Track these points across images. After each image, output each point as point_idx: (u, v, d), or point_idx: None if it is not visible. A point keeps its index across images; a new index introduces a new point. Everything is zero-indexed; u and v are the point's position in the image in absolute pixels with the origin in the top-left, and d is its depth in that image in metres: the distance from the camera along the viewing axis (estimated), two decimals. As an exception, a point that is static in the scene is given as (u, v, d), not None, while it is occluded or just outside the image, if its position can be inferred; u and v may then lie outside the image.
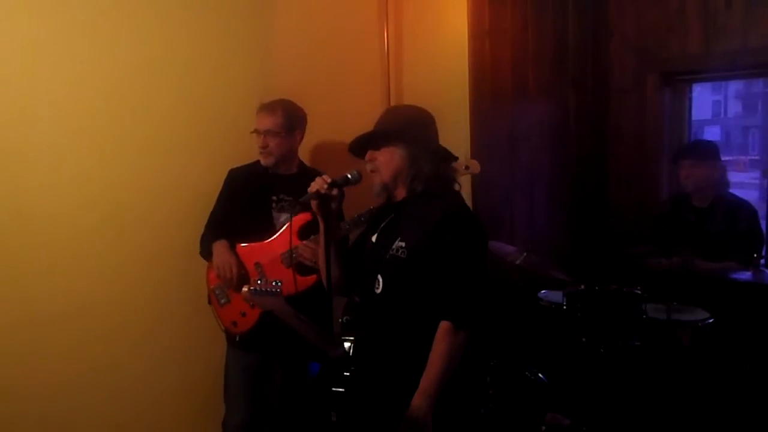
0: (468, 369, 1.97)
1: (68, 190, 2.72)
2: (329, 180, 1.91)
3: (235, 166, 2.83)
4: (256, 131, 2.73)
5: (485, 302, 1.90)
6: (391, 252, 1.93)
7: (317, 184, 1.92)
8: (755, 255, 2.77)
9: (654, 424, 2.77)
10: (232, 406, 2.79)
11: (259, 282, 1.93)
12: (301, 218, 2.63)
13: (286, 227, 2.65)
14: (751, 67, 3.24)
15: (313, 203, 1.95)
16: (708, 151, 3.18)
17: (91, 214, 2.76)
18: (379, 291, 1.97)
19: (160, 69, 2.85)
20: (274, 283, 1.95)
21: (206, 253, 2.74)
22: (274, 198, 2.75)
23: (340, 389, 1.88)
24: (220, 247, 2.68)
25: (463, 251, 1.86)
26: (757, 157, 8.19)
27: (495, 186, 3.82)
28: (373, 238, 2.06)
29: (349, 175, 1.95)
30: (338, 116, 3.12)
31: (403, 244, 1.91)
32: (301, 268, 2.62)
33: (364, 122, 2.02)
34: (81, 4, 2.68)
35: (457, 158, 2.02)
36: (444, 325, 1.83)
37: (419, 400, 1.80)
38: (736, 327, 2.93)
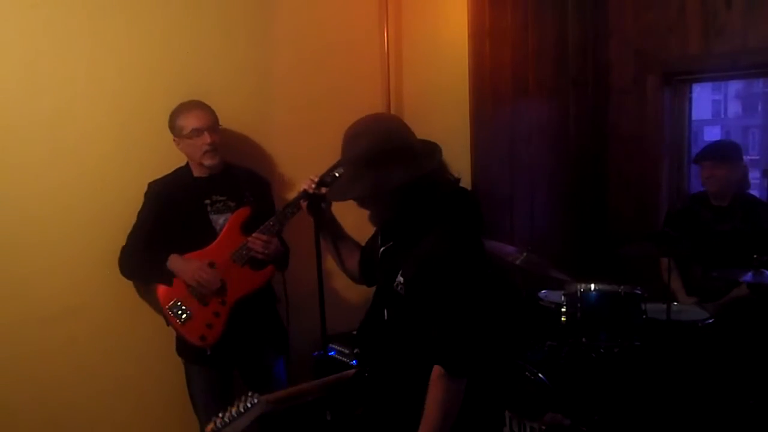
0: (484, 417, 1.87)
1: (58, 193, 2.69)
2: (317, 179, 1.89)
3: (152, 180, 2.66)
4: (196, 130, 2.57)
5: (483, 346, 1.76)
6: (394, 285, 1.80)
7: (305, 184, 1.91)
8: (755, 256, 2.76)
9: (654, 424, 2.77)
10: (204, 418, 2.71)
11: (220, 415, 1.75)
12: (241, 213, 2.62)
13: (227, 226, 2.61)
14: (751, 67, 3.24)
15: (303, 203, 1.94)
16: (730, 152, 3.19)
17: (81, 215, 2.73)
18: (387, 318, 1.88)
19: (160, 68, 2.84)
20: (244, 406, 1.78)
21: (150, 275, 2.60)
22: (208, 201, 2.64)
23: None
24: (177, 261, 2.54)
25: (454, 294, 1.68)
26: (757, 157, 8.19)
27: (495, 186, 3.82)
28: (379, 252, 1.95)
29: (336, 173, 1.88)
30: (338, 116, 3.08)
31: (402, 280, 1.76)
32: (254, 262, 2.60)
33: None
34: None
35: (438, 158, 1.77)
36: (436, 370, 1.68)
37: None
38: (736, 327, 2.94)
